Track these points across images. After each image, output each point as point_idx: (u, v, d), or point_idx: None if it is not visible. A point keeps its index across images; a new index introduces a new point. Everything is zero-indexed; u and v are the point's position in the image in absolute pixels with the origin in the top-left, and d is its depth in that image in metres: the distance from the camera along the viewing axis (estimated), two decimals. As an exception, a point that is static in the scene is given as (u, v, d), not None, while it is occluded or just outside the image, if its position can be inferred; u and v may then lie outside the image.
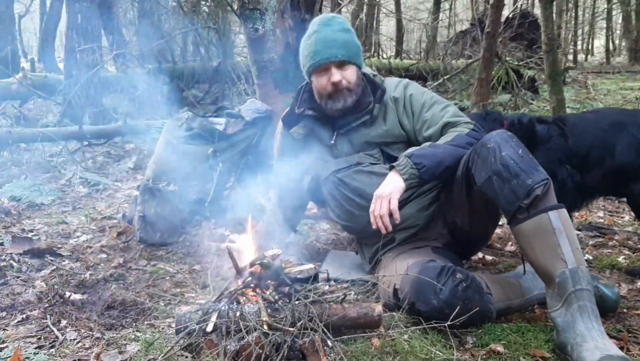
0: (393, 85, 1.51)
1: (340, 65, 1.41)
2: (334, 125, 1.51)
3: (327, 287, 1.24)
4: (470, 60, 6.60)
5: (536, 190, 1.15)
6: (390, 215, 1.32)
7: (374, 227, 1.34)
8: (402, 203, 1.47)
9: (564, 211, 1.17)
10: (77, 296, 1.44)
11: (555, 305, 1.13)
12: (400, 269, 1.30)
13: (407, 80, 1.55)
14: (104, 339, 1.20)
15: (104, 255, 1.82)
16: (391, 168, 1.36)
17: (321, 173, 1.52)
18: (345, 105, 1.44)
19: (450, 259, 1.37)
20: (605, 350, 1.03)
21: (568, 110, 4.66)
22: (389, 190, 1.32)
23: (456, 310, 1.15)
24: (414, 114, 1.46)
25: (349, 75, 1.42)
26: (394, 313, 1.28)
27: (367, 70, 1.53)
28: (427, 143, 1.39)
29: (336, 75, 1.40)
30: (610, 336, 1.11)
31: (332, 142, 1.50)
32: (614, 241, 1.99)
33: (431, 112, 1.44)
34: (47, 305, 1.37)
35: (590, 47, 15.54)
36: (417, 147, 1.38)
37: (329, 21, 1.44)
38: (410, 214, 1.47)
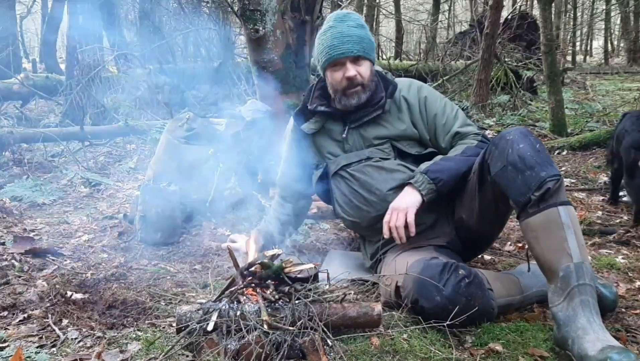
0: (405, 85, 1.54)
1: (355, 60, 1.43)
2: (345, 120, 1.53)
3: (327, 287, 1.24)
4: (469, 61, 6.62)
5: (548, 183, 1.17)
6: (406, 227, 1.35)
7: (386, 236, 1.38)
8: None
9: (572, 208, 1.20)
10: (79, 296, 1.44)
11: (557, 299, 1.14)
12: (401, 267, 1.31)
13: (418, 82, 1.57)
14: (105, 338, 1.21)
15: (105, 255, 1.83)
16: (408, 184, 1.39)
17: (331, 168, 1.54)
18: (359, 102, 1.46)
19: (453, 258, 1.38)
20: (607, 341, 1.04)
21: (567, 111, 4.67)
22: (406, 204, 1.35)
23: (459, 307, 1.16)
24: (429, 119, 1.50)
25: (364, 70, 1.44)
26: (393, 313, 1.29)
27: (377, 68, 1.55)
28: (439, 157, 1.44)
29: (351, 70, 1.42)
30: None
31: (344, 136, 1.51)
32: (612, 242, 2.00)
33: (445, 119, 1.49)
34: (48, 305, 1.38)
35: (589, 48, 15.58)
36: (430, 162, 1.42)
37: (345, 17, 1.46)
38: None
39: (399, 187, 1.46)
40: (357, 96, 1.44)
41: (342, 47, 1.41)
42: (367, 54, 1.44)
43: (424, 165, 1.41)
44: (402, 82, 1.54)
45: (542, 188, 1.17)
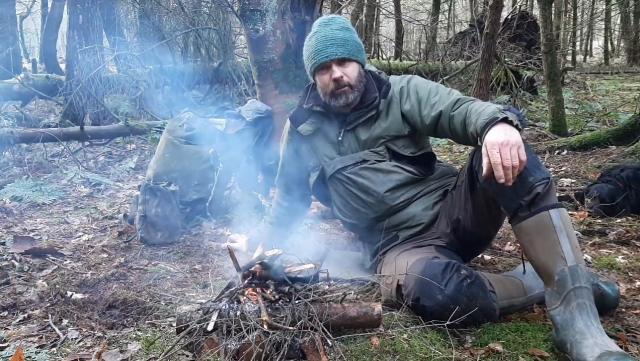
0: (397, 80, 1.53)
1: (341, 62, 1.43)
2: (341, 122, 1.52)
3: (327, 286, 1.24)
4: (469, 61, 6.63)
5: (537, 188, 1.16)
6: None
7: (500, 180, 1.12)
8: (407, 202, 1.48)
9: (564, 210, 1.19)
10: (79, 296, 1.45)
11: (554, 303, 1.14)
12: (402, 266, 1.31)
13: (411, 75, 1.57)
14: (105, 338, 1.21)
15: (105, 255, 1.83)
16: (497, 122, 1.15)
17: (327, 170, 1.54)
18: (347, 102, 1.45)
19: (453, 258, 1.37)
20: (605, 346, 1.04)
21: (567, 111, 4.68)
22: (516, 138, 1.13)
23: (461, 307, 1.16)
24: (421, 100, 1.44)
25: (350, 71, 1.44)
26: (393, 313, 1.29)
27: (371, 68, 1.55)
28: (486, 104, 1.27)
29: (337, 71, 1.42)
30: (609, 336, 1.11)
31: (339, 138, 1.51)
32: (612, 242, 2.00)
33: (439, 95, 1.43)
34: (48, 305, 1.38)
35: (589, 48, 15.60)
36: (490, 109, 1.21)
37: (329, 21, 1.47)
38: (415, 213, 1.48)
39: (396, 188, 1.46)
40: (344, 96, 1.44)
41: (326, 50, 1.41)
42: (352, 56, 1.44)
43: (490, 110, 1.19)
44: (395, 79, 1.54)
45: (532, 193, 1.16)
